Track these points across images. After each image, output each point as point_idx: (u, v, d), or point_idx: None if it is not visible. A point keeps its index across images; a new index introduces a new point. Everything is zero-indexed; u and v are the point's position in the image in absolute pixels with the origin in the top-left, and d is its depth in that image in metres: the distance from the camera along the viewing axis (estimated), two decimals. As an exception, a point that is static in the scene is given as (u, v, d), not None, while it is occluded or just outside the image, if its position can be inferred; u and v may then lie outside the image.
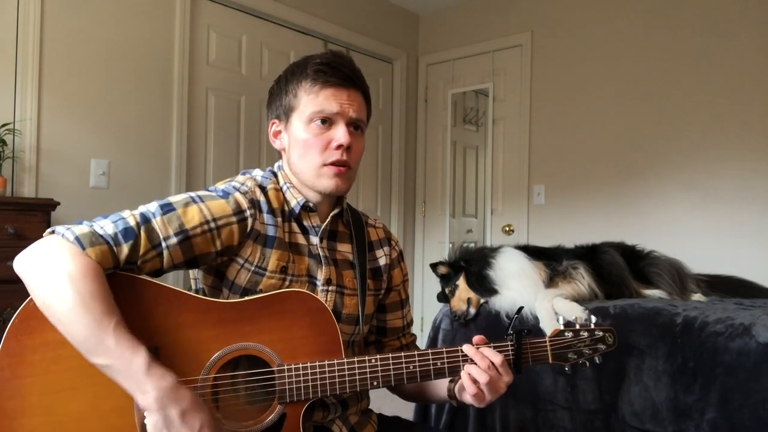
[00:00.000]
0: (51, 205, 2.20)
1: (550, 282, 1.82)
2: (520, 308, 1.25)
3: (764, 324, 1.45)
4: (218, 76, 3.15)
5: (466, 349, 1.02)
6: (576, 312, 1.66)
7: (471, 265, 1.90)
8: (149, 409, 0.85)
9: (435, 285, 2.09)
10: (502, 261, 1.87)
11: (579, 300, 1.75)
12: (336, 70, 1.08)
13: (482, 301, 1.87)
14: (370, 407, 1.22)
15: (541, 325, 1.68)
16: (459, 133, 4.23)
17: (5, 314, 1.98)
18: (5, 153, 2.30)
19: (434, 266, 1.98)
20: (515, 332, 1.04)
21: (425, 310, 4.16)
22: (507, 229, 3.87)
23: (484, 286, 1.84)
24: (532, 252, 1.92)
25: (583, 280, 1.80)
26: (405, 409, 1.45)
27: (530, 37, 3.77)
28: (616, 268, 1.89)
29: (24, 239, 2.06)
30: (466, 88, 4.14)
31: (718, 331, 1.50)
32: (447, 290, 1.94)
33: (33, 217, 2.13)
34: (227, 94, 3.20)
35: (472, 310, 1.86)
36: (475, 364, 1.00)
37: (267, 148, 3.39)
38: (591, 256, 1.93)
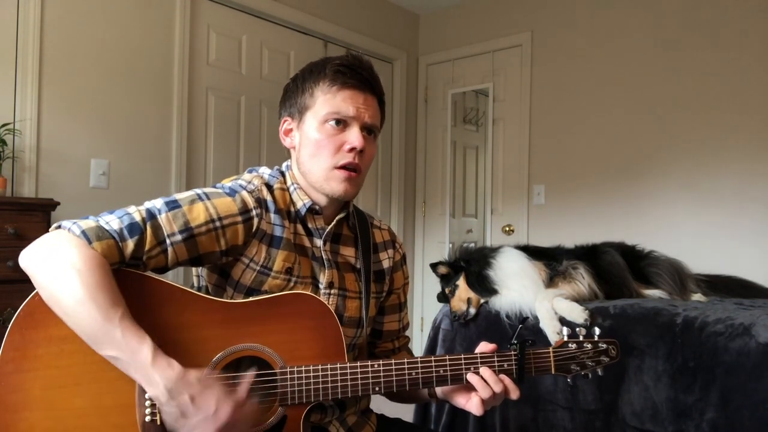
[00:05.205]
0: (51, 205, 2.20)
1: (550, 282, 1.82)
2: (525, 318, 1.24)
3: (764, 324, 1.45)
4: (218, 76, 3.15)
5: (483, 372, 1.01)
6: (576, 312, 1.66)
7: (471, 265, 1.90)
8: (160, 401, 0.85)
9: (435, 285, 2.08)
10: (502, 261, 1.87)
11: (579, 300, 1.75)
12: (355, 72, 1.07)
13: (482, 301, 1.87)
14: (370, 407, 1.22)
15: (541, 325, 1.68)
16: (459, 133, 4.23)
17: (5, 314, 1.97)
18: (5, 153, 2.30)
19: (434, 266, 1.97)
20: (519, 342, 1.03)
21: (425, 310, 4.15)
22: (507, 229, 3.86)
23: (484, 286, 1.84)
24: (532, 252, 1.92)
25: (583, 280, 1.80)
26: (405, 411, 1.45)
27: (530, 37, 3.77)
28: (616, 268, 1.89)
29: (24, 239, 2.06)
30: (466, 88, 4.14)
31: (718, 331, 1.50)
32: (447, 290, 1.94)
33: (33, 217, 2.13)
34: (227, 94, 3.20)
35: (472, 310, 1.86)
36: (485, 380, 1.01)
37: (267, 148, 3.39)
38: (591, 256, 1.93)
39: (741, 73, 2.98)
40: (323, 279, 1.11)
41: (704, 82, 3.09)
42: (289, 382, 0.95)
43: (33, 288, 0.90)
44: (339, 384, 0.97)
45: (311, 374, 0.96)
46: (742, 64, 2.98)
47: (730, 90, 3.02)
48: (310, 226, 1.12)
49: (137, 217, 0.94)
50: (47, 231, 0.94)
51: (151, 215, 0.96)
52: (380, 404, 1.23)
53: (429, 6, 4.19)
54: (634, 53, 3.33)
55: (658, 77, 3.24)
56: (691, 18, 3.15)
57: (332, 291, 1.11)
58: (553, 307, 1.70)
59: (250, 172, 1.14)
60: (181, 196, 1.01)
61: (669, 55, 3.21)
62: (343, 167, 1.06)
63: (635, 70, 3.32)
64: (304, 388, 0.96)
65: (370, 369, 0.98)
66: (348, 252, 1.17)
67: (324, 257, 1.12)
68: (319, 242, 1.12)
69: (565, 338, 1.08)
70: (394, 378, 0.99)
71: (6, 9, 2.37)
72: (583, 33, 3.55)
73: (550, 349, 1.06)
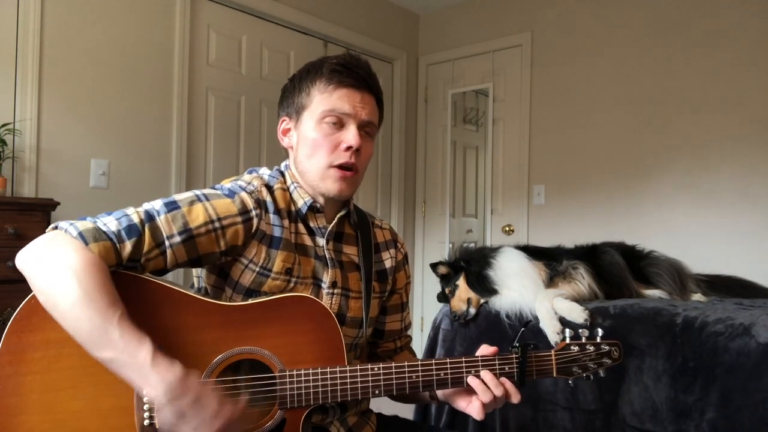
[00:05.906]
0: (51, 205, 2.20)
1: (550, 282, 1.82)
2: (528, 321, 1.24)
3: (764, 324, 1.45)
4: (218, 76, 3.15)
5: (484, 375, 1.01)
6: (576, 312, 1.66)
7: (471, 265, 1.90)
8: (158, 403, 0.83)
9: (435, 285, 2.08)
10: (502, 261, 1.87)
11: (579, 300, 1.75)
12: (351, 71, 1.07)
13: (482, 301, 1.87)
14: (370, 407, 1.22)
15: (541, 325, 1.68)
16: (459, 133, 4.23)
17: (5, 314, 1.97)
18: (5, 153, 2.30)
19: (434, 266, 1.97)
20: (521, 345, 1.03)
21: (425, 310, 4.15)
22: (507, 229, 3.86)
23: (484, 286, 1.84)
24: (532, 252, 1.92)
25: (583, 280, 1.80)
26: (404, 409, 1.44)
27: (530, 37, 3.77)
28: (616, 268, 1.89)
29: (24, 239, 2.05)
30: (466, 88, 4.14)
31: (718, 331, 1.50)
32: (447, 290, 1.94)
33: (33, 217, 2.13)
34: (227, 94, 3.20)
35: (472, 310, 1.86)
36: (485, 384, 1.00)
37: (267, 148, 3.39)
38: (591, 256, 1.93)
39: (741, 74, 2.98)
40: (326, 278, 1.10)
41: (704, 82, 3.09)
42: (288, 386, 0.95)
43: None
44: (338, 387, 0.96)
45: (310, 377, 0.95)
46: (743, 64, 2.98)
47: (730, 90, 3.01)
48: (311, 224, 1.12)
49: (135, 219, 0.94)
50: (50, 227, 0.94)
51: (150, 217, 0.95)
52: (379, 402, 1.23)
53: (429, 6, 4.19)
54: (634, 53, 3.33)
55: (658, 77, 3.24)
56: (691, 18, 3.15)
57: (335, 291, 1.11)
58: (553, 307, 1.70)
59: (250, 173, 1.14)
60: (181, 197, 1.01)
61: (669, 55, 3.21)
62: (339, 167, 1.07)
63: (635, 69, 3.32)
64: (303, 391, 0.95)
65: (369, 372, 0.98)
66: (351, 251, 1.17)
67: (327, 256, 1.11)
68: (321, 241, 1.12)
69: (568, 340, 1.07)
70: (394, 381, 0.99)
71: (6, 9, 2.37)
72: (583, 33, 3.55)
73: (552, 352, 1.05)
